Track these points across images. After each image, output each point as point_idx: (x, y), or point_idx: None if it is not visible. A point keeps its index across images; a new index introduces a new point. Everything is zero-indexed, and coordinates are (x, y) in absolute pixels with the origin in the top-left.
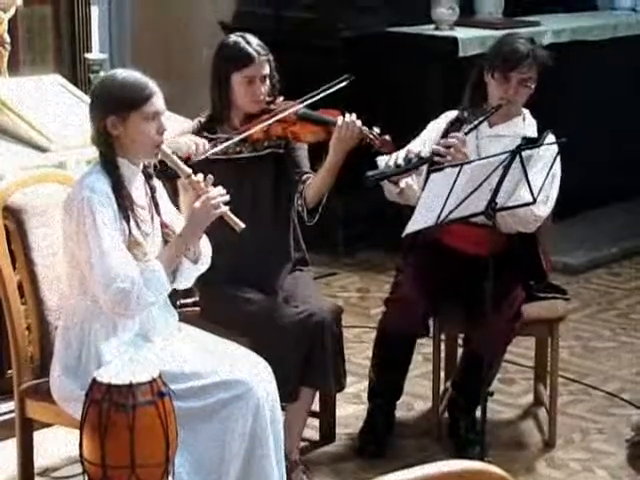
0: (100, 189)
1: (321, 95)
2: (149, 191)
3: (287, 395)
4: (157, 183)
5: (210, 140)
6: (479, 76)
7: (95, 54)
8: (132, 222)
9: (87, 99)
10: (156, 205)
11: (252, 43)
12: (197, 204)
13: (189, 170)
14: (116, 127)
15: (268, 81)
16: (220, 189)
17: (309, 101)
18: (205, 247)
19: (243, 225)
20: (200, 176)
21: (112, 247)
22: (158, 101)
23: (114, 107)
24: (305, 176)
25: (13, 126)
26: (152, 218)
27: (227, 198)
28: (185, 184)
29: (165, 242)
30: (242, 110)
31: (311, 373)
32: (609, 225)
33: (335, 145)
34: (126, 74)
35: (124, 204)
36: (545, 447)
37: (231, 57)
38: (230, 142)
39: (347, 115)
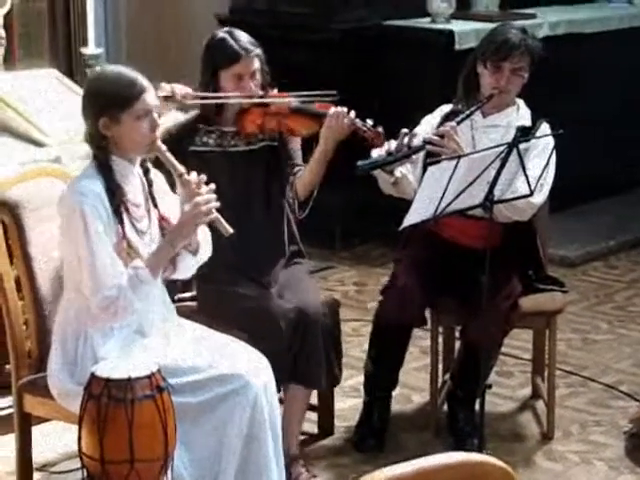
0: (92, 192)
1: (305, 99)
2: (146, 185)
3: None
4: (155, 176)
5: (208, 132)
6: (472, 67)
7: (91, 48)
8: (126, 223)
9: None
10: (153, 199)
11: (240, 40)
12: (187, 207)
13: (182, 169)
14: (108, 128)
15: (258, 75)
16: (212, 195)
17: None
18: (204, 237)
19: (231, 230)
20: (193, 175)
21: (101, 254)
22: (149, 98)
23: (105, 108)
24: (297, 168)
25: (9, 120)
26: (149, 213)
27: (218, 204)
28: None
29: (164, 235)
30: (235, 105)
31: (302, 371)
32: (605, 218)
33: (325, 134)
34: (115, 72)
35: (118, 205)
36: (543, 439)
37: (218, 55)
38: (220, 101)
39: (339, 107)
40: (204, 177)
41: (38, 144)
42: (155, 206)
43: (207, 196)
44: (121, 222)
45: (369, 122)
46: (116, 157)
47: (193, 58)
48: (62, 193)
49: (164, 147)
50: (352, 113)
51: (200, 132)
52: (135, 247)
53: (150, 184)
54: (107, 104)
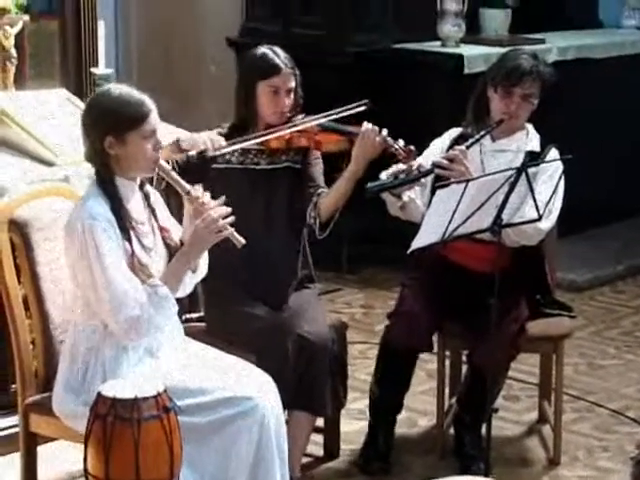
0: (101, 214)
1: (339, 115)
2: (144, 199)
3: None
4: (150, 189)
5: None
6: (482, 91)
7: (101, 69)
8: (135, 242)
9: None
10: (153, 212)
11: (280, 55)
12: (200, 223)
13: (188, 186)
14: (114, 147)
15: (292, 95)
16: (225, 208)
17: (327, 118)
18: (202, 256)
19: (244, 241)
20: (200, 191)
21: (117, 275)
22: (155, 118)
23: (111, 127)
24: (320, 189)
25: (19, 140)
26: (152, 229)
27: (232, 219)
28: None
29: (167, 246)
30: (264, 121)
31: (307, 398)
32: (613, 243)
33: (357, 152)
34: (121, 92)
35: (125, 225)
36: (550, 465)
37: (258, 66)
38: (248, 143)
39: (370, 124)
40: (208, 194)
41: (47, 163)
42: (156, 219)
43: (220, 211)
44: (129, 241)
45: (401, 141)
46: (118, 176)
47: (203, 79)
48: (69, 218)
49: (168, 166)
50: (384, 131)
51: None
52: (145, 264)
53: (148, 197)
54: (115, 123)
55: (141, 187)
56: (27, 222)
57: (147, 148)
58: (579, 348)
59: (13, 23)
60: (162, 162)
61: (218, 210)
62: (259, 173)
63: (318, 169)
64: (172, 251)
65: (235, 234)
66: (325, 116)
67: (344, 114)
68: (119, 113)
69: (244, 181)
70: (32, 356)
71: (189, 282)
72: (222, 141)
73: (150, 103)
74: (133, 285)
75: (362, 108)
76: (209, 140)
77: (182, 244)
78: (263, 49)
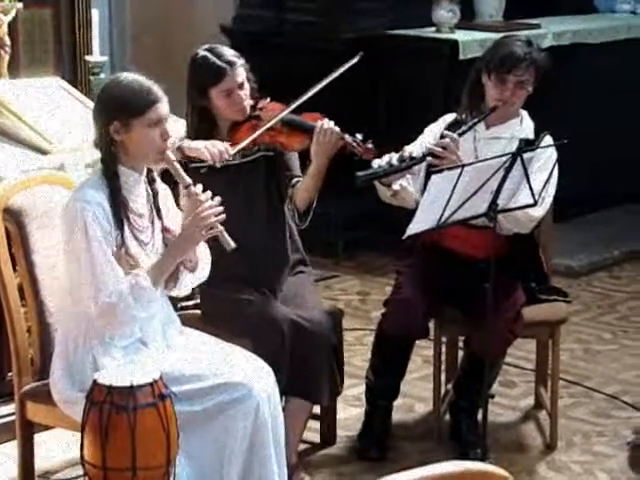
0: (95, 200)
1: (334, 76)
2: (151, 196)
3: None
4: (161, 187)
5: None
6: (476, 77)
7: (95, 57)
8: (127, 232)
9: (87, 101)
10: (157, 210)
11: (222, 55)
12: (190, 220)
13: (189, 180)
14: (119, 133)
15: (247, 85)
16: (217, 209)
17: (313, 91)
18: (204, 256)
19: (234, 245)
20: (199, 188)
21: (101, 260)
22: (163, 107)
23: (117, 113)
24: (294, 180)
25: (13, 128)
26: (152, 224)
27: (223, 217)
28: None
29: (166, 247)
30: (228, 120)
31: (304, 385)
32: (610, 228)
33: (315, 151)
34: (130, 79)
35: (119, 213)
36: (546, 450)
37: (204, 74)
38: (251, 138)
39: (326, 121)
40: (209, 193)
41: (42, 152)
42: (159, 217)
43: (211, 210)
44: (121, 230)
45: (359, 136)
46: (123, 166)
47: None
48: (68, 199)
49: (173, 157)
50: (336, 128)
51: None
52: (133, 255)
53: (155, 194)
54: (120, 109)
55: (151, 183)
56: (22, 210)
57: (153, 136)
58: (575, 333)
59: (6, 11)
60: (168, 153)
61: (210, 210)
62: (236, 167)
63: (292, 155)
64: None
65: (225, 235)
66: (320, 83)
67: (341, 71)
68: (125, 99)
69: (222, 178)
70: (28, 344)
71: (189, 283)
72: (229, 150)
73: (159, 92)
74: (115, 273)
75: (355, 60)
76: (216, 151)
77: None
78: (202, 53)
